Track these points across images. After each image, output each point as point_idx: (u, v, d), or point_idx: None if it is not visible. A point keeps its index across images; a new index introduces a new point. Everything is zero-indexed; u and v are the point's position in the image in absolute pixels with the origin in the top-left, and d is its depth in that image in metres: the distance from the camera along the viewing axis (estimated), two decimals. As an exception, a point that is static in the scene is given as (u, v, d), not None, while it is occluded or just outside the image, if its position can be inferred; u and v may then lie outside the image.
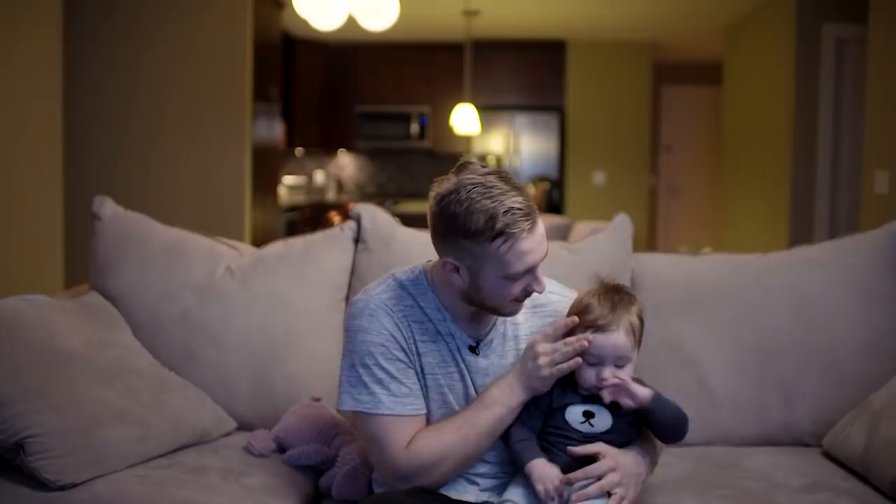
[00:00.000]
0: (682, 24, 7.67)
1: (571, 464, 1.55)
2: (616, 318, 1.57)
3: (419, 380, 1.60)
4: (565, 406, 1.59)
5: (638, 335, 1.60)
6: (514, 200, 1.47)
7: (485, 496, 1.62)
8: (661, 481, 1.82)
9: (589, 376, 1.57)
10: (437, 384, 1.61)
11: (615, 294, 1.61)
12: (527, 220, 1.48)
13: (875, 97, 4.49)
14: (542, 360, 1.54)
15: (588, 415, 1.58)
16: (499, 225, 1.46)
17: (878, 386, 1.98)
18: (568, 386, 1.61)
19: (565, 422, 1.59)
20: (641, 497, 1.74)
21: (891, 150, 4.31)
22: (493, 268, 1.50)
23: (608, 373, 1.55)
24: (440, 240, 1.54)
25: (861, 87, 5.08)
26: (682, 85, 9.84)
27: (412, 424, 1.57)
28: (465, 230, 1.48)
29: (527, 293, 1.55)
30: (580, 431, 1.58)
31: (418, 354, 1.60)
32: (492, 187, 1.47)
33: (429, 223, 1.56)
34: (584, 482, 1.51)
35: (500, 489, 1.62)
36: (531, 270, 1.52)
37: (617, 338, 1.56)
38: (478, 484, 1.63)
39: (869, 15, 4.57)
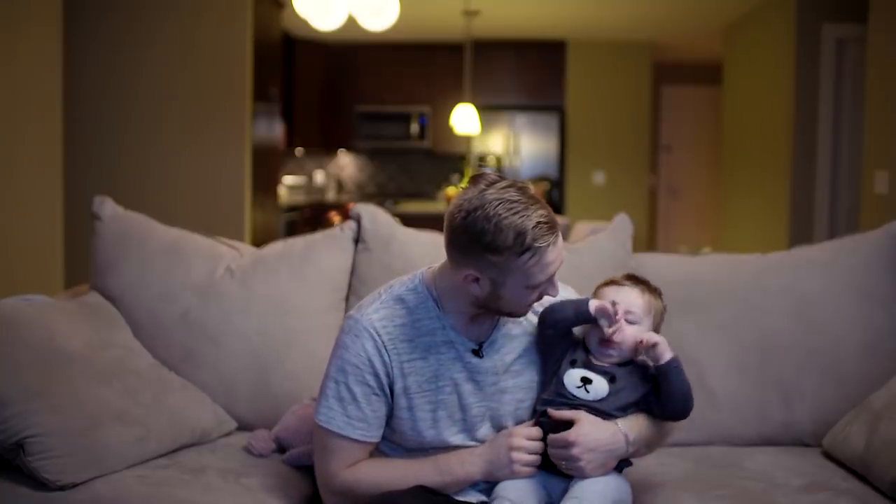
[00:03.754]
0: (682, 24, 7.67)
1: (556, 426, 1.59)
2: (633, 282, 1.69)
3: (387, 407, 1.64)
4: (568, 363, 1.64)
5: (652, 311, 1.68)
6: (539, 214, 1.49)
7: (483, 497, 1.63)
8: (661, 481, 1.82)
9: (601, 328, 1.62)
10: (427, 402, 1.63)
11: (641, 279, 1.73)
12: (552, 233, 1.50)
13: (875, 97, 4.49)
14: (515, 456, 1.58)
15: (585, 381, 1.61)
16: (528, 240, 1.48)
17: (878, 386, 1.98)
18: (581, 341, 1.66)
19: (562, 384, 1.62)
20: (641, 497, 1.74)
21: (891, 150, 4.31)
22: (517, 279, 1.52)
23: (620, 314, 1.62)
24: (461, 253, 1.54)
25: (861, 87, 5.08)
26: (681, 85, 9.84)
27: (357, 449, 1.63)
28: (493, 246, 1.49)
29: (541, 297, 1.59)
30: (576, 396, 1.61)
31: (403, 376, 1.62)
32: (515, 202, 1.49)
33: (446, 237, 1.56)
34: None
35: (500, 490, 1.62)
36: (550, 277, 1.55)
37: (629, 291, 1.68)
38: (477, 484, 1.64)
39: (869, 15, 4.57)
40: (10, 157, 3.74)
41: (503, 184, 1.52)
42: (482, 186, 1.51)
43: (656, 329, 1.69)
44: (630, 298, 1.66)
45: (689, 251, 5.41)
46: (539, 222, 1.48)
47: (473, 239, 1.50)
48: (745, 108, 7.16)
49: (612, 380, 1.61)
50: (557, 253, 1.53)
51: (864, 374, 2.05)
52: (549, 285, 1.57)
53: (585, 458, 1.55)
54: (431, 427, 1.64)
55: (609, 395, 1.60)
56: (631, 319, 1.64)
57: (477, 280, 1.54)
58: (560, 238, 1.54)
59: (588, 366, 1.63)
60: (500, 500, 1.56)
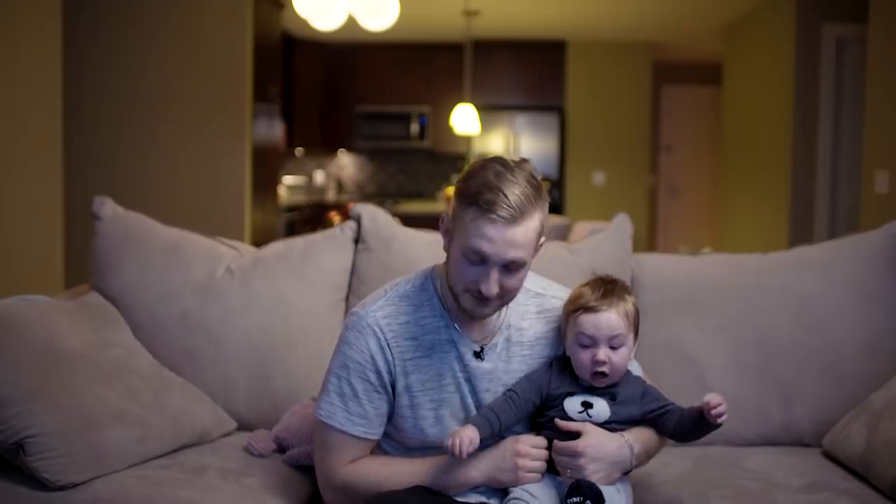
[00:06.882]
0: (682, 24, 7.67)
1: (561, 437, 1.58)
2: (607, 300, 1.60)
3: (389, 405, 1.63)
4: (564, 396, 1.61)
5: (633, 322, 1.62)
6: (511, 191, 1.49)
7: (483, 498, 1.63)
8: (661, 481, 1.82)
9: (584, 359, 1.59)
10: (430, 400, 1.63)
11: (608, 283, 1.65)
12: (505, 211, 1.48)
13: (875, 97, 4.49)
14: (520, 462, 1.58)
15: (586, 405, 1.60)
16: (480, 197, 1.49)
17: (878, 386, 1.98)
18: (568, 375, 1.63)
19: (563, 411, 1.61)
20: (641, 497, 1.74)
21: (891, 150, 4.31)
22: (458, 235, 1.53)
23: (603, 353, 1.58)
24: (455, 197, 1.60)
25: (861, 87, 5.08)
26: (682, 85, 9.84)
27: (357, 445, 1.63)
28: (460, 189, 1.54)
29: (478, 290, 1.53)
30: (578, 421, 1.60)
31: (405, 374, 1.62)
32: (505, 173, 1.51)
33: None
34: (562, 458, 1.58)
35: (499, 491, 1.62)
36: (485, 261, 1.50)
37: (608, 316, 1.59)
38: (477, 486, 1.63)
39: (869, 15, 4.57)
40: (10, 156, 3.74)
41: (524, 166, 1.54)
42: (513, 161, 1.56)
43: (636, 327, 1.64)
44: (611, 322, 1.59)
45: (689, 251, 5.41)
46: (503, 193, 1.48)
47: (461, 179, 1.56)
48: (745, 108, 7.15)
49: (612, 398, 1.61)
50: (499, 236, 1.47)
51: (864, 374, 2.05)
52: (482, 274, 1.50)
53: (591, 468, 1.55)
54: (434, 425, 1.64)
55: (612, 416, 1.60)
56: (617, 344, 1.59)
57: (444, 223, 1.58)
58: (514, 231, 1.48)
59: (586, 390, 1.61)
60: (515, 500, 1.56)
